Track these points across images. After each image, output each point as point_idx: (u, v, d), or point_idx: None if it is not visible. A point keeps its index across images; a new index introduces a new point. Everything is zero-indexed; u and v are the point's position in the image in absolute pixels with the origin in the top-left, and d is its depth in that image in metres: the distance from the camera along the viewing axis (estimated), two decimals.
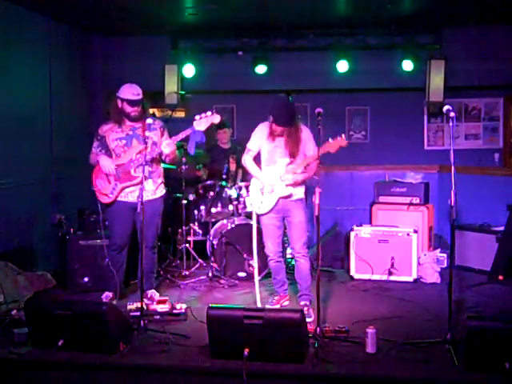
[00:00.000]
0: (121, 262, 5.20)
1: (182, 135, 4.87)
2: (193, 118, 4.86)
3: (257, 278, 5.07)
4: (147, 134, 4.97)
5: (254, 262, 5.13)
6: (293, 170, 4.81)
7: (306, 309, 4.79)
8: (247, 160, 5.05)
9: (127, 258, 5.27)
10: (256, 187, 5.00)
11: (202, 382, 3.82)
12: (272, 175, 4.88)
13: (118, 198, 5.07)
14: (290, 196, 4.88)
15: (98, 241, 5.57)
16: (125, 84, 5.02)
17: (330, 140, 4.58)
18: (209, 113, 4.83)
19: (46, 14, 6.41)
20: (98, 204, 5.18)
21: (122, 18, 6.87)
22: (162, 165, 6.32)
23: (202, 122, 4.81)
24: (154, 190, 5.12)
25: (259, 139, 4.97)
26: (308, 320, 4.49)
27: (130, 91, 4.94)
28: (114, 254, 5.17)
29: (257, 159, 5.09)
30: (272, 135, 4.86)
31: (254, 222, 5.04)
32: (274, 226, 4.97)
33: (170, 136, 5.01)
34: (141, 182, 4.65)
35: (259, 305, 4.89)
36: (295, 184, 4.86)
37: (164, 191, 5.25)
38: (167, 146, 4.83)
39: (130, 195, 5.04)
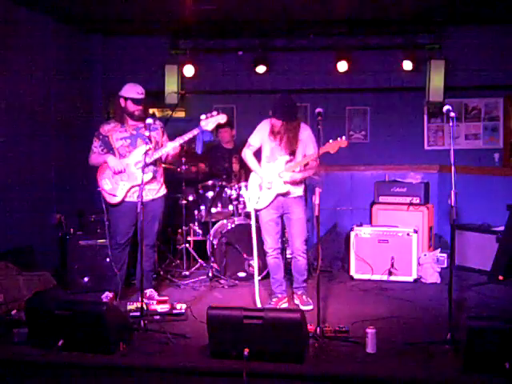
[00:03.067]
0: (123, 260, 5.21)
1: (189, 135, 4.91)
2: (199, 117, 4.89)
3: (256, 277, 5.07)
4: (151, 134, 4.97)
5: (254, 262, 5.13)
6: (291, 167, 4.85)
7: (304, 297, 4.98)
8: (247, 154, 5.07)
9: (129, 257, 5.27)
10: (254, 182, 5.04)
11: (202, 382, 3.81)
12: (271, 172, 4.91)
13: (126, 199, 5.08)
14: (287, 193, 4.93)
15: (98, 241, 5.59)
16: (127, 83, 5.05)
17: (331, 141, 4.64)
18: (214, 112, 4.88)
19: (46, 14, 6.41)
20: (102, 204, 5.14)
21: (122, 18, 6.87)
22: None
23: (209, 122, 4.86)
24: (158, 188, 5.15)
25: (261, 135, 4.99)
26: (308, 308, 4.75)
27: (135, 90, 4.98)
28: (116, 253, 5.17)
29: (257, 155, 5.09)
30: (272, 132, 4.88)
31: (252, 221, 5.04)
32: (272, 222, 4.99)
33: (172, 136, 5.04)
34: (143, 182, 4.66)
35: (259, 305, 4.89)
36: (293, 182, 4.90)
37: (165, 190, 5.27)
38: (175, 147, 4.93)
39: (135, 195, 5.05)
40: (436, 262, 6.06)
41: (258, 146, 5.03)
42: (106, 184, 5.09)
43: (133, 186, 5.04)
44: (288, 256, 6.17)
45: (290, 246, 5.25)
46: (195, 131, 4.89)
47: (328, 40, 7.37)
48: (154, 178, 5.07)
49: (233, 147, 6.87)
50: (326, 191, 6.39)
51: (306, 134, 4.91)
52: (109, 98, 7.42)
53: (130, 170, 5.02)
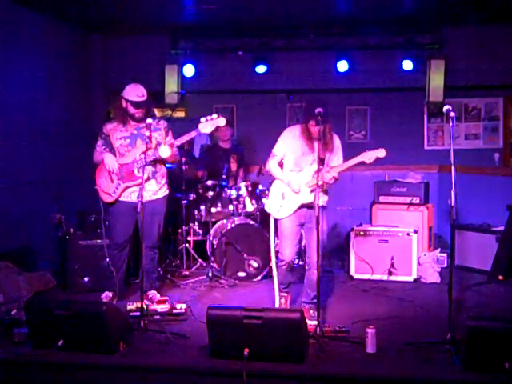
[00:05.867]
0: (122, 261, 5.20)
1: (186, 137, 4.82)
2: (198, 120, 4.75)
3: (275, 277, 4.97)
4: (153, 134, 4.92)
5: (272, 262, 5.06)
6: (319, 179, 4.50)
7: (312, 312, 4.68)
8: (272, 165, 4.80)
9: (129, 257, 5.27)
10: (277, 190, 4.81)
11: (202, 382, 3.82)
12: (298, 181, 4.68)
13: (121, 198, 5.06)
14: (311, 205, 4.59)
15: (98, 241, 5.57)
16: (129, 84, 4.98)
17: (368, 151, 4.51)
18: (214, 115, 4.71)
19: (45, 14, 6.41)
20: (99, 203, 5.15)
21: (122, 18, 6.87)
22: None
23: (207, 125, 4.70)
24: (157, 190, 5.10)
25: (287, 144, 4.71)
26: (313, 323, 4.32)
27: (135, 93, 4.91)
28: (115, 253, 5.16)
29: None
30: (309, 139, 4.58)
31: (271, 225, 4.96)
32: (293, 230, 4.75)
33: (174, 138, 4.99)
34: (142, 183, 4.64)
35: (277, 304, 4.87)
36: (322, 191, 4.60)
37: (167, 192, 5.21)
38: (166, 150, 4.75)
39: (132, 195, 5.02)
40: (436, 261, 6.06)
41: (282, 156, 4.75)
42: (102, 182, 5.09)
43: (128, 186, 5.01)
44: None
45: (306, 258, 4.97)
46: (193, 133, 4.78)
47: (328, 40, 7.37)
48: (150, 178, 5.02)
49: (230, 147, 6.86)
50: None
51: (338, 141, 4.71)
52: (109, 97, 7.43)
53: (126, 169, 4.98)
